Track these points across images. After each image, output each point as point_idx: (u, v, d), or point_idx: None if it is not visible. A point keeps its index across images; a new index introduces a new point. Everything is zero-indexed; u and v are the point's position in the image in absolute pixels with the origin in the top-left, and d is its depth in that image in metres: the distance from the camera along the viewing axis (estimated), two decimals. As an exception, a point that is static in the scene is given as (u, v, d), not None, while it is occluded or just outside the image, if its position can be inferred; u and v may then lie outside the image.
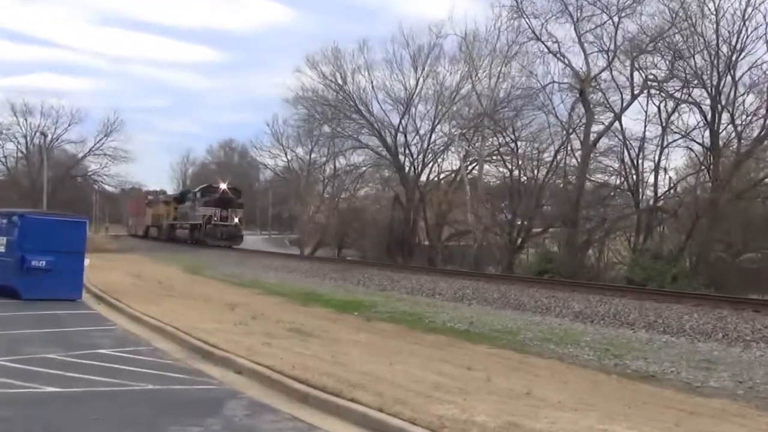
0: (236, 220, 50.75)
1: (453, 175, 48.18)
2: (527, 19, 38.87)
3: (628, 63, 37.56)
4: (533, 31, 38.90)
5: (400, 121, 49.18)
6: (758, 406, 8.82)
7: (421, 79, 48.41)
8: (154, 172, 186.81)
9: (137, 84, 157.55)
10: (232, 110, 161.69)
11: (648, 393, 9.50)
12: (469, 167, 45.07)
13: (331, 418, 7.74)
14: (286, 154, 63.97)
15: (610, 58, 37.80)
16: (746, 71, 34.36)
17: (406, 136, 49.12)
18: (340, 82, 50.36)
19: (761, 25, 34.47)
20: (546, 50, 39.28)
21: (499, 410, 7.52)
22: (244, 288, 23.45)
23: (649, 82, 37.15)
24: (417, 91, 48.58)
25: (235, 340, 11.65)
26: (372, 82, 49.82)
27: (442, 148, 48.65)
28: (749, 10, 34.22)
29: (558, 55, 38.99)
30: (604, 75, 38.44)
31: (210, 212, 49.58)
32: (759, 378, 10.37)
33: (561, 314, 17.67)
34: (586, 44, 38.23)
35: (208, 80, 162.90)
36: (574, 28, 38.15)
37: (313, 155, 59.19)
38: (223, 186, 51.24)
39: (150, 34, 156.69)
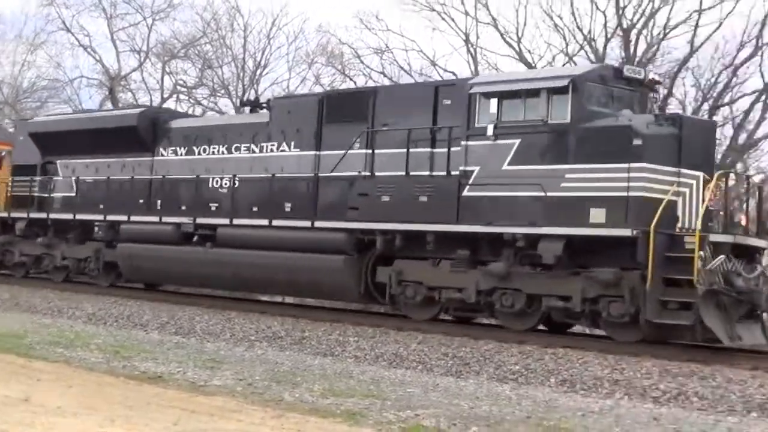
0: None
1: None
2: (58, 9, 37.36)
3: (159, 66, 37.92)
4: (64, 22, 37.51)
5: None
6: (254, 401, 9.38)
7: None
8: None
9: None
10: None
11: (153, 393, 9.60)
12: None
13: None
14: None
15: (142, 59, 37.86)
16: (268, 87, 36.64)
17: None
18: None
19: (283, 45, 37.10)
20: (77, 43, 38.09)
21: (-10, 419, 7.09)
22: None
23: (178, 87, 37.87)
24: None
25: None
26: None
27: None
28: (274, 30, 36.59)
29: (89, 49, 38.02)
30: (136, 75, 38.36)
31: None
32: (258, 375, 11.05)
33: (74, 316, 17.20)
34: (118, 42, 37.88)
35: None
36: (108, 25, 37.58)
37: None
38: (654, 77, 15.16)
39: None
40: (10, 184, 22.79)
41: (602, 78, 14.02)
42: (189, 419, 8.12)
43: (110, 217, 19.65)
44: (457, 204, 14.41)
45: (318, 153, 16.50)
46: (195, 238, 18.03)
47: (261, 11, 49.14)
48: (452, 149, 14.57)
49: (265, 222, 16.77)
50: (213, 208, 17.92)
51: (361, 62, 33.90)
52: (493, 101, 14.07)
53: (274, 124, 17.39)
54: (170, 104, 38.13)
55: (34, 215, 21.62)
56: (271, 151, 17.36)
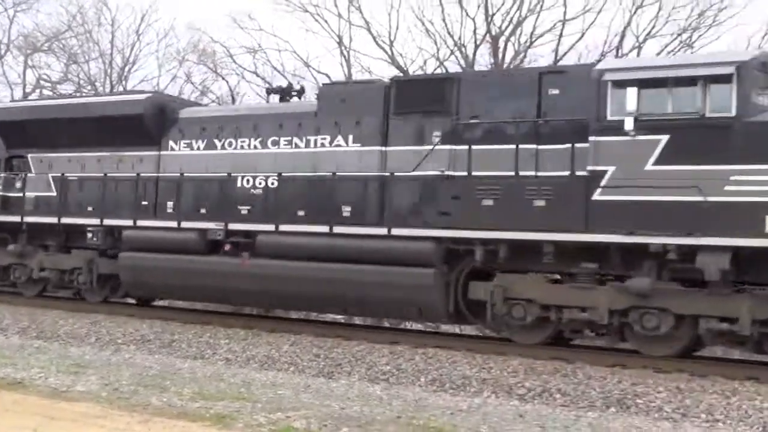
0: None
1: None
2: None
3: (21, 59, 36.60)
4: None
5: None
6: (120, 406, 9.15)
7: None
8: None
9: None
10: None
11: (12, 400, 9.24)
12: None
13: None
14: None
15: (3, 51, 36.45)
16: (137, 84, 35.81)
17: None
18: None
19: (153, 42, 36.40)
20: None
21: None
22: None
23: (42, 82, 36.60)
24: None
25: None
26: None
27: None
28: (143, 26, 35.81)
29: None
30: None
31: None
32: (125, 379, 10.79)
33: None
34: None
35: None
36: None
37: None
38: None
39: None
40: None
41: (764, 66, 12.04)
42: (49, 426, 7.87)
43: (108, 222, 16.67)
44: (585, 209, 12.22)
45: (384, 149, 14.15)
46: (227, 247, 15.40)
47: (129, 6, 47.94)
48: (576, 146, 12.42)
49: (322, 228, 14.24)
50: (244, 212, 15.27)
51: (234, 61, 33.55)
52: (632, 91, 11.95)
53: (325, 115, 14.83)
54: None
55: (2, 218, 18.28)
56: (322, 145, 14.77)
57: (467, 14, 29.29)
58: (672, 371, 11.62)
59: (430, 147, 13.54)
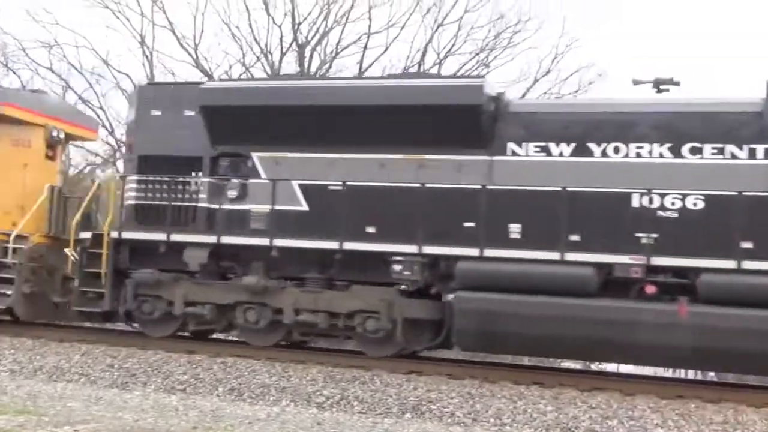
0: None
1: None
2: None
3: None
4: None
5: None
6: None
7: None
8: None
9: None
10: None
11: None
12: None
13: None
14: None
15: None
16: None
17: None
18: None
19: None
20: None
21: None
22: None
23: None
24: None
25: None
26: None
27: None
28: None
29: None
30: None
31: None
32: None
33: None
34: None
35: None
36: None
37: None
38: None
39: None
40: (127, 186, 14.29)
41: None
42: None
43: (431, 250, 12.43)
44: None
45: None
46: (649, 289, 11.65)
47: None
48: None
49: None
50: (644, 241, 11.65)
51: (27, 56, 31.85)
52: None
53: None
54: None
55: (232, 240, 13.43)
56: None
57: (274, 22, 29.41)
58: (465, 377, 12.08)
59: None
